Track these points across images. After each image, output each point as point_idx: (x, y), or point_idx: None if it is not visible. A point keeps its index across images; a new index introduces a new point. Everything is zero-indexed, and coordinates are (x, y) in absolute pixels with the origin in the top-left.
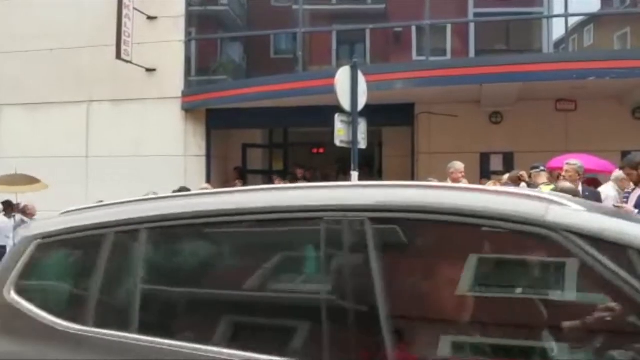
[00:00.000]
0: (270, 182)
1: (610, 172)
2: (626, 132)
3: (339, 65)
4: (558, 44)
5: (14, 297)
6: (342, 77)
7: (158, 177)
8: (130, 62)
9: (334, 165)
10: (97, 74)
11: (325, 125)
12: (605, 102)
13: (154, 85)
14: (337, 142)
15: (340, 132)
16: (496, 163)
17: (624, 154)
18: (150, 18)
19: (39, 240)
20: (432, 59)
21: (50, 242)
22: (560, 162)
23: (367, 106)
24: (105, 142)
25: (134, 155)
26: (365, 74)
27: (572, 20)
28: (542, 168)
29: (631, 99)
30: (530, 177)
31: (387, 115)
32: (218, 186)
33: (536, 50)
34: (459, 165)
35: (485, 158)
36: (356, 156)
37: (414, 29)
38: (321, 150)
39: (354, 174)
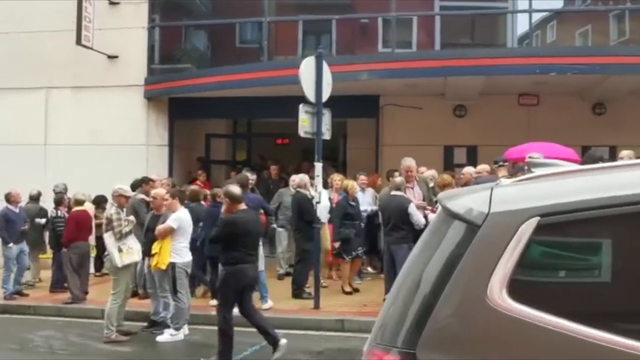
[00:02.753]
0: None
1: (577, 162)
2: (587, 128)
3: (304, 56)
4: (522, 39)
5: (508, 300)
6: (306, 67)
7: (119, 166)
8: (91, 48)
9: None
10: (57, 60)
11: (290, 116)
12: (567, 98)
13: (115, 73)
14: (301, 133)
15: (304, 123)
16: (460, 156)
17: (585, 148)
18: (112, 3)
19: (538, 218)
20: (398, 51)
21: (557, 222)
22: (520, 152)
23: (332, 97)
24: (64, 129)
25: (94, 144)
26: (330, 64)
27: (536, 17)
28: (501, 163)
29: (592, 95)
30: (492, 171)
31: (352, 107)
32: (181, 177)
33: (500, 45)
34: (405, 164)
35: (449, 151)
36: (320, 147)
37: (380, 20)
38: (286, 142)
39: (318, 165)
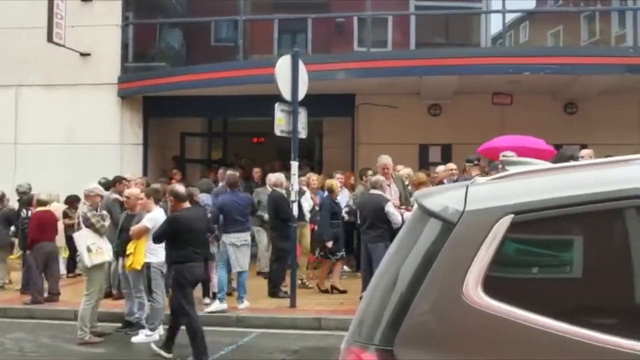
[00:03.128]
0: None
1: (550, 152)
2: (559, 126)
3: (280, 55)
4: (495, 39)
5: (483, 297)
6: (282, 66)
7: (92, 165)
8: (63, 45)
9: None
10: (28, 57)
11: (266, 115)
12: (540, 97)
13: (88, 71)
14: (277, 132)
15: (281, 122)
16: (435, 154)
17: (557, 147)
18: (85, 0)
19: (512, 216)
20: (373, 50)
21: (530, 220)
22: (493, 145)
23: (308, 96)
24: (35, 128)
25: (67, 143)
26: (306, 63)
27: (509, 17)
28: (475, 162)
29: (563, 95)
30: (465, 170)
31: (328, 106)
32: (156, 176)
33: (474, 45)
34: (382, 161)
35: (424, 149)
36: (296, 146)
37: (355, 20)
38: (262, 140)
39: (294, 164)
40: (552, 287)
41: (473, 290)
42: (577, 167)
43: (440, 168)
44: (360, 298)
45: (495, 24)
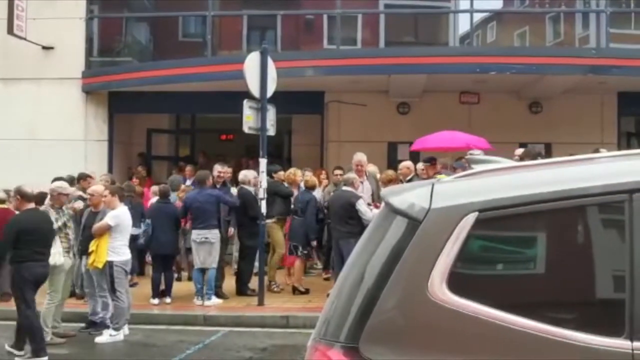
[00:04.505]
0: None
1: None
2: (524, 125)
3: (249, 51)
4: (463, 38)
5: (447, 294)
6: (251, 62)
7: (56, 162)
8: (24, 38)
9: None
10: None
11: (234, 111)
12: (505, 96)
13: (51, 65)
14: (246, 129)
15: (249, 119)
16: (403, 152)
17: (522, 145)
18: None
19: (476, 213)
20: (343, 48)
21: (495, 217)
22: (423, 142)
23: (277, 93)
24: None
25: (29, 139)
26: (275, 60)
27: (477, 17)
28: (432, 162)
29: (528, 94)
30: (423, 169)
31: (297, 103)
32: (121, 173)
33: (442, 44)
34: (356, 158)
35: (392, 147)
36: (265, 143)
37: (325, 17)
38: (230, 137)
39: (262, 161)
40: (516, 283)
41: (438, 287)
42: (541, 166)
43: (406, 164)
44: (327, 295)
45: (463, 24)
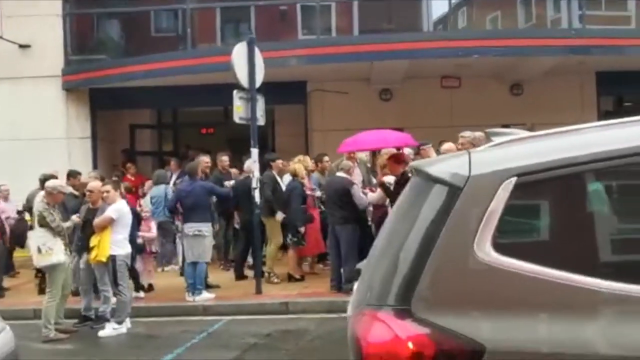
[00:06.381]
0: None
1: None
2: (505, 108)
3: (224, 44)
4: (437, 23)
5: (493, 254)
6: (239, 52)
7: (39, 161)
8: (0, 37)
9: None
10: None
11: (215, 104)
12: (487, 80)
13: (29, 63)
14: (237, 119)
15: (239, 109)
16: None
17: (504, 127)
18: None
19: (515, 178)
20: (322, 37)
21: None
22: (353, 144)
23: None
24: None
25: (10, 139)
26: None
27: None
28: (430, 145)
29: (509, 77)
30: (419, 152)
31: (280, 94)
32: (106, 170)
33: (419, 30)
34: None
35: None
36: (255, 133)
37: (298, 7)
38: (211, 131)
39: (254, 151)
40: (555, 241)
41: (483, 248)
42: (561, 134)
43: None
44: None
45: (435, 9)
